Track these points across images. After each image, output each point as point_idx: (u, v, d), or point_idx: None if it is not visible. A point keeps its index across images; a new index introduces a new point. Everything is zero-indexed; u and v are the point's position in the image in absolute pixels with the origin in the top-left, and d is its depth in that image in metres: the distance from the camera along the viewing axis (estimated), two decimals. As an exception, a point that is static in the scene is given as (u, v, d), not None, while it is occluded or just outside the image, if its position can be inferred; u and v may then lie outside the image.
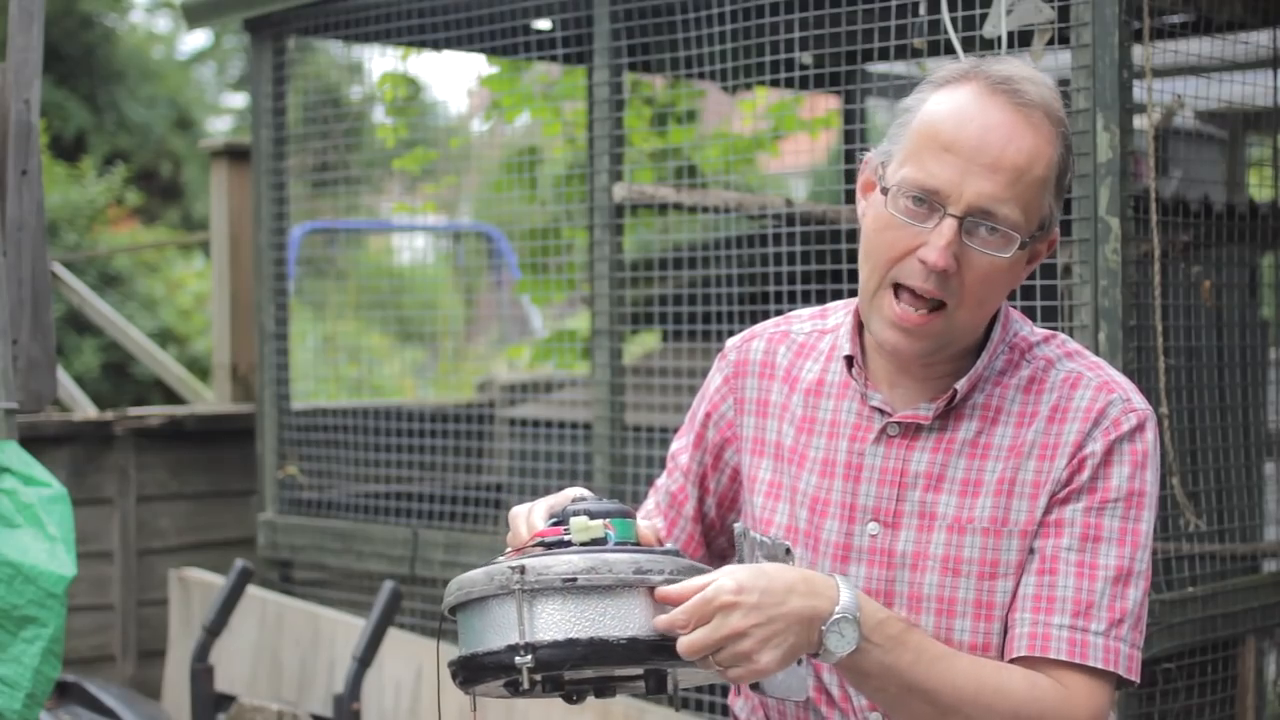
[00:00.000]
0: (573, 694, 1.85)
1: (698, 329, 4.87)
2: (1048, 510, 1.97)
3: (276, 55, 5.26)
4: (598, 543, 1.80)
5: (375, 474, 5.20)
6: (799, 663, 1.82)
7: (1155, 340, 3.42)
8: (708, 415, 2.20)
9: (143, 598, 5.71)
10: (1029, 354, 2.04)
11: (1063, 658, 1.93)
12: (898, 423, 2.02)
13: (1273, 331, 4.38)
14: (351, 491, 5.23)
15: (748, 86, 4.96)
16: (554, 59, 5.09)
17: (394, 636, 4.45)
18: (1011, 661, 1.98)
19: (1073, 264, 3.37)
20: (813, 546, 2.05)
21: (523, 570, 1.73)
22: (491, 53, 5.18)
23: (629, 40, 4.34)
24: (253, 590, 4.82)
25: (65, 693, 4.68)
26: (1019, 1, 3.32)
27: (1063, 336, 2.09)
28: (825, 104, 6.04)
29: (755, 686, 1.80)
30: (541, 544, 1.83)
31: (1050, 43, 3.36)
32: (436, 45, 5.24)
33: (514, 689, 1.78)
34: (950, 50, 3.39)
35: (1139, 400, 1.99)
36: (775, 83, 4.37)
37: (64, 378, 6.41)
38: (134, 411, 5.85)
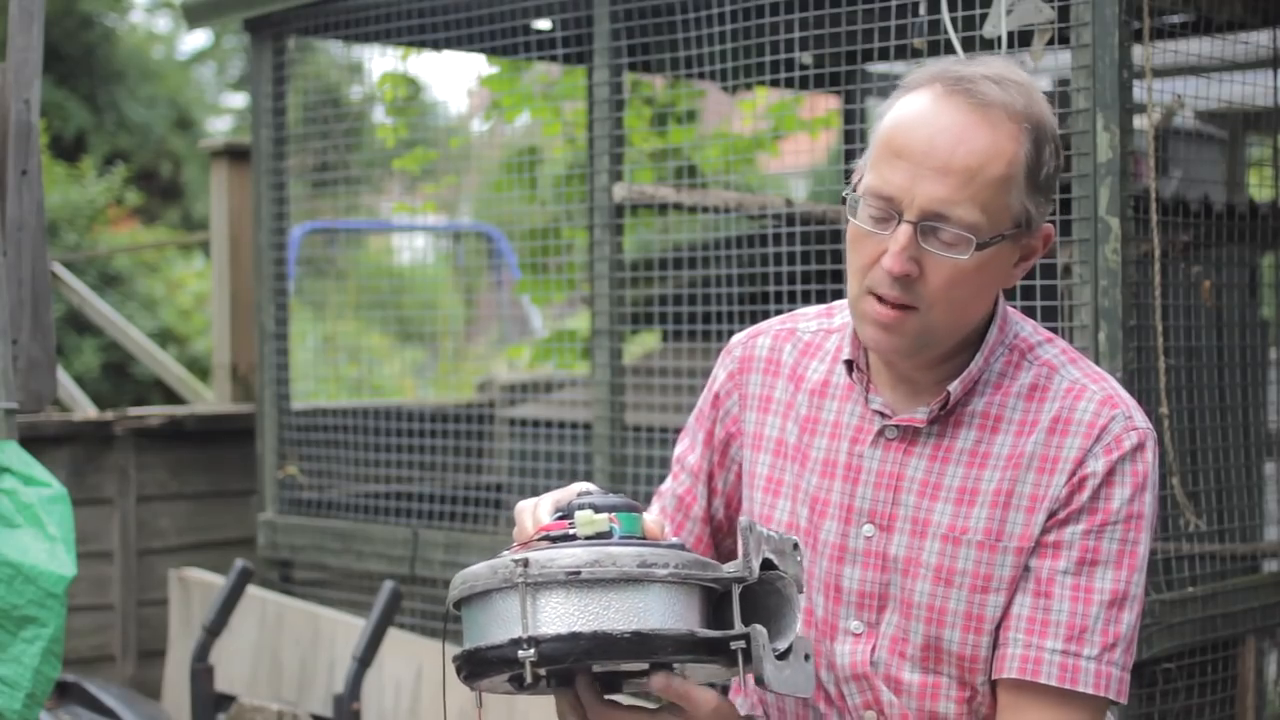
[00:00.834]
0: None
1: (698, 329, 4.87)
2: (1046, 530, 1.96)
3: (276, 55, 5.26)
4: (602, 536, 1.79)
5: (375, 474, 5.20)
6: (805, 659, 1.81)
7: (1155, 340, 3.42)
8: (715, 411, 2.19)
9: (143, 598, 5.71)
10: (1029, 355, 2.03)
11: (1053, 683, 1.93)
12: (896, 426, 2.02)
13: (1273, 331, 4.38)
14: (351, 491, 5.23)
15: (748, 86, 4.96)
16: (554, 59, 5.09)
17: (394, 636, 4.45)
18: (1000, 682, 1.98)
19: (1073, 264, 3.37)
20: (811, 545, 2.06)
21: (526, 563, 1.73)
22: (491, 53, 5.18)
23: (629, 40, 4.34)
24: (253, 590, 4.82)
25: (65, 693, 4.68)
26: (1019, 1, 3.32)
27: (1064, 342, 2.09)
28: (825, 104, 6.04)
29: (760, 682, 1.79)
30: (546, 538, 1.83)
31: (1050, 43, 3.36)
32: (436, 45, 5.24)
33: (518, 683, 1.78)
34: (950, 50, 3.39)
35: (1140, 419, 1.99)
36: (775, 83, 4.37)
37: (64, 378, 6.41)
38: (134, 411, 5.85)
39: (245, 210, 5.81)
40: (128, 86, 14.66)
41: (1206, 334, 3.91)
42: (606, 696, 1.85)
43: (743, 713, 2.12)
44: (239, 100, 18.05)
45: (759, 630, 1.77)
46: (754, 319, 4.06)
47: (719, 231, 5.33)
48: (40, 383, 3.74)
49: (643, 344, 6.56)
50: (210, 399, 6.29)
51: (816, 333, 2.15)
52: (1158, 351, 3.42)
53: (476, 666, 1.77)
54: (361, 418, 5.24)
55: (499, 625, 1.76)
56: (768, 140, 5.64)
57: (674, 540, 1.83)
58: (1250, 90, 4.05)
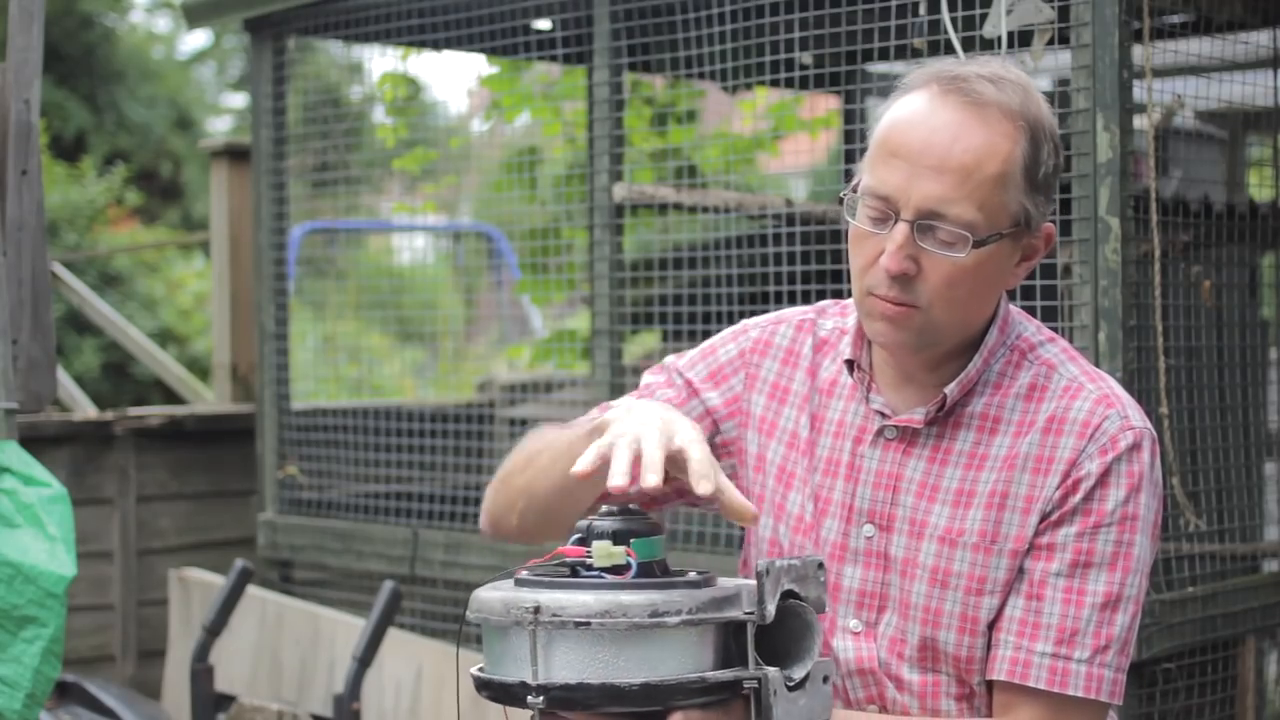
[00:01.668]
0: None
1: (698, 329, 4.86)
2: (1040, 531, 1.95)
3: (276, 55, 5.26)
4: (618, 570, 1.78)
5: (375, 474, 5.20)
6: (824, 681, 1.80)
7: (1155, 340, 3.42)
8: (711, 380, 2.16)
9: (143, 598, 5.71)
10: (1030, 355, 2.03)
11: (1041, 686, 1.93)
12: (895, 426, 2.02)
13: (1273, 331, 4.38)
14: (351, 491, 5.23)
15: (748, 86, 4.96)
16: (554, 59, 5.09)
17: (394, 636, 4.45)
18: (991, 684, 1.98)
19: (1073, 264, 3.37)
20: (814, 543, 2.06)
21: (537, 610, 1.72)
22: (491, 53, 5.18)
23: (629, 40, 4.34)
24: (253, 590, 4.82)
25: (65, 693, 4.68)
26: (1019, 1, 3.32)
27: (1065, 342, 2.08)
28: (825, 104, 6.04)
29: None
30: (563, 563, 1.82)
31: (1050, 43, 3.36)
32: (436, 45, 5.24)
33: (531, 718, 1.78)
34: (950, 50, 3.39)
35: (1137, 418, 1.98)
36: (775, 83, 4.37)
37: (64, 378, 6.41)
38: (134, 411, 5.85)
39: (245, 210, 5.81)
40: (128, 86, 14.66)
41: (1206, 334, 3.91)
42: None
43: None
44: (239, 100, 18.05)
45: (771, 675, 1.75)
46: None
47: (719, 231, 5.33)
48: (40, 383, 3.74)
49: (643, 344, 6.56)
50: (210, 399, 6.29)
51: (833, 330, 2.14)
52: (1158, 351, 3.43)
53: (492, 693, 1.77)
54: (361, 418, 5.24)
55: (511, 660, 1.76)
56: (768, 140, 5.64)
57: (693, 575, 1.81)
58: (1250, 90, 4.05)
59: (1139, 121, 3.47)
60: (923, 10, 3.55)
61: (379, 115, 5.69)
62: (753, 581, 1.77)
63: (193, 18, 5.66)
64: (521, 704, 1.74)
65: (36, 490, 3.51)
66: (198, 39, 19.03)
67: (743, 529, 2.20)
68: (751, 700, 1.76)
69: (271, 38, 5.26)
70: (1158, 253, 3.42)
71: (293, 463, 5.30)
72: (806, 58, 4.81)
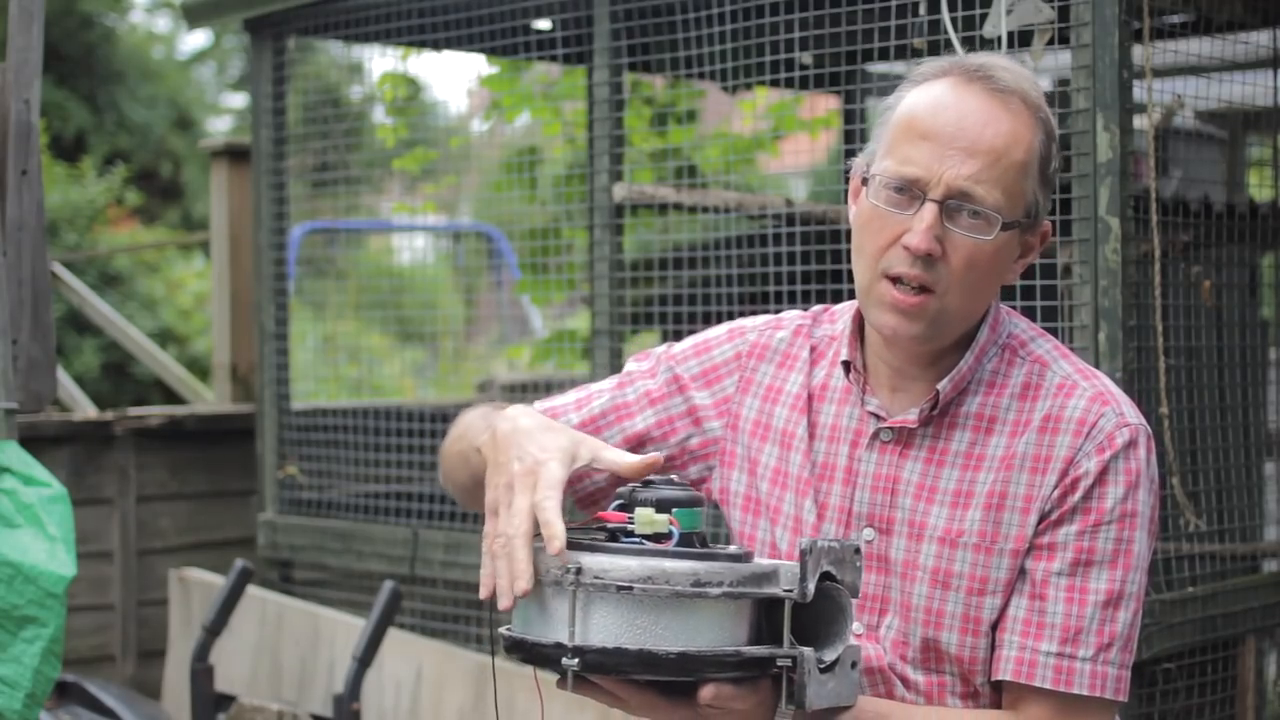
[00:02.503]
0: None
1: (698, 329, 4.85)
2: (1040, 531, 1.95)
3: (276, 55, 5.26)
4: (660, 538, 1.78)
5: (375, 474, 5.20)
6: (852, 666, 1.79)
7: (1155, 340, 3.42)
8: (703, 377, 2.17)
9: (143, 598, 5.71)
10: (1022, 351, 2.04)
11: (1047, 686, 1.93)
12: (890, 428, 2.02)
13: (1273, 331, 4.38)
14: (351, 491, 5.23)
15: (748, 86, 4.96)
16: (554, 59, 5.09)
17: (394, 636, 4.45)
18: (997, 684, 1.98)
19: (1073, 264, 3.37)
20: None
21: (579, 570, 1.72)
22: (491, 53, 5.18)
23: (629, 40, 4.34)
24: (253, 590, 4.82)
25: (65, 693, 4.68)
26: (1019, 1, 3.32)
27: (1055, 339, 2.09)
28: (825, 104, 6.04)
29: (801, 705, 1.76)
30: (603, 528, 1.81)
31: (1050, 43, 3.36)
32: (436, 45, 5.24)
33: (560, 682, 1.76)
34: (950, 50, 3.38)
35: (1132, 414, 1.98)
36: (775, 83, 4.37)
37: (64, 378, 6.41)
38: (134, 411, 5.85)
39: (245, 210, 5.81)
40: (128, 86, 14.66)
41: (1206, 334, 3.91)
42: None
43: None
44: (239, 100, 18.05)
45: (806, 655, 1.75)
46: (754, 319, 4.06)
47: (719, 231, 5.33)
48: (40, 383, 3.74)
49: (643, 344, 6.56)
50: (210, 399, 6.29)
51: (822, 338, 2.15)
52: (1158, 351, 3.43)
53: (524, 654, 1.76)
54: (361, 418, 5.24)
55: (547, 623, 1.75)
56: (768, 140, 5.64)
57: (734, 549, 1.80)
58: (1250, 90, 4.05)
59: (1139, 121, 3.47)
60: (923, 10, 3.55)
61: (379, 115, 5.69)
62: (789, 562, 1.77)
63: (193, 18, 5.67)
64: (554, 666, 1.72)
65: (36, 490, 3.51)
66: (198, 39, 19.05)
67: (731, 529, 2.19)
68: (784, 679, 1.75)
69: (271, 38, 5.26)
70: (1158, 253, 3.42)
71: (293, 463, 5.30)
72: (806, 58, 4.81)
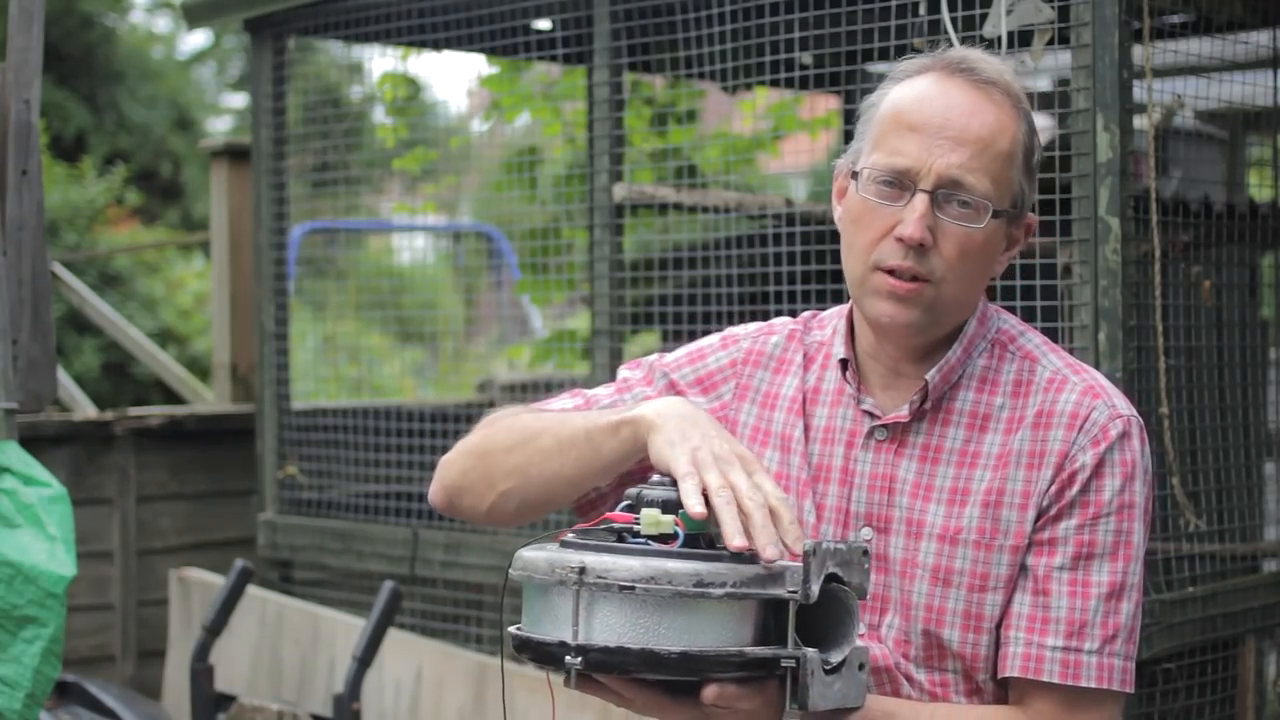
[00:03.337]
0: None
1: (698, 329, 4.86)
2: (1039, 526, 1.96)
3: (276, 55, 5.26)
4: (665, 539, 1.79)
5: (375, 474, 5.20)
6: (860, 668, 1.79)
7: (1155, 340, 3.42)
8: (699, 384, 2.17)
9: (143, 598, 5.71)
10: (1011, 346, 2.05)
11: (1055, 680, 1.94)
12: (884, 426, 2.03)
13: (1273, 331, 4.38)
14: (351, 491, 5.23)
15: (748, 86, 4.96)
16: (554, 59, 5.09)
17: (394, 636, 4.45)
18: (1001, 681, 1.98)
19: (1073, 264, 3.37)
20: None
21: (582, 570, 1.73)
22: (491, 53, 5.18)
23: (629, 40, 4.34)
24: (253, 590, 4.82)
25: (65, 693, 4.68)
26: (1019, 1, 3.32)
27: (1043, 335, 2.10)
28: (825, 104, 6.04)
29: (804, 706, 1.76)
30: (609, 528, 1.82)
31: (1050, 43, 3.36)
32: (436, 45, 5.24)
33: (565, 680, 1.77)
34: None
35: (1124, 406, 1.99)
36: (775, 83, 4.37)
37: (64, 378, 6.41)
38: (134, 411, 5.85)
39: (245, 210, 5.81)
40: (128, 86, 14.65)
41: (1206, 334, 3.91)
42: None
43: None
44: (239, 100, 18.04)
45: (810, 655, 1.75)
46: (754, 319, 4.06)
47: (719, 231, 5.33)
48: (40, 383, 3.74)
49: (643, 344, 6.56)
50: (210, 399, 6.29)
51: (812, 344, 2.16)
52: (1158, 351, 3.43)
53: (530, 652, 1.77)
54: (361, 418, 5.24)
55: (551, 621, 1.76)
56: (768, 140, 5.64)
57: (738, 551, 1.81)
58: (1250, 90, 4.05)
59: (1139, 121, 3.47)
60: (923, 10, 3.55)
61: (379, 115, 5.69)
62: (795, 564, 1.77)
63: (193, 18, 5.67)
64: (559, 664, 1.73)
65: (36, 490, 3.51)
66: (198, 39, 19.05)
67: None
68: (787, 680, 1.76)
69: (271, 38, 5.26)
70: (1158, 253, 3.42)
71: (293, 463, 5.30)
72: (806, 58, 4.81)
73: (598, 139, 4.39)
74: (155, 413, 5.86)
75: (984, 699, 2.01)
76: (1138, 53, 3.41)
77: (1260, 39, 3.95)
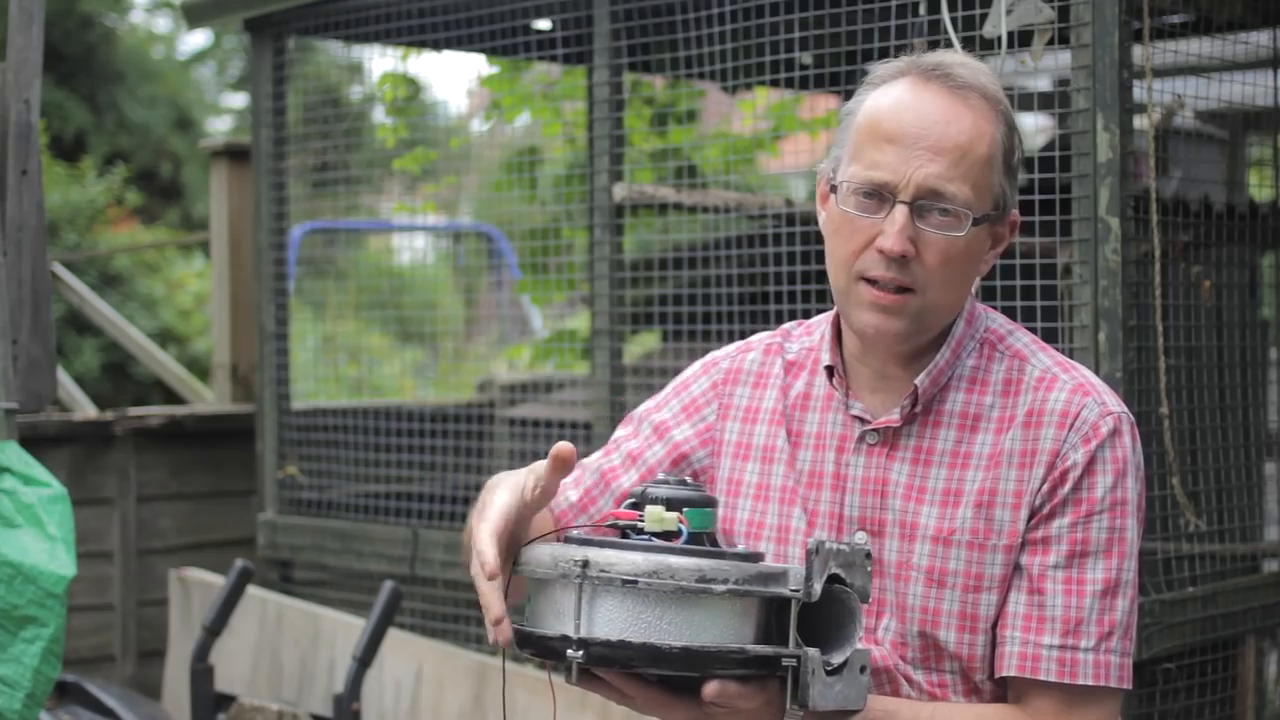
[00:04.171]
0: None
1: (698, 329, 4.87)
2: (1033, 525, 1.97)
3: (276, 55, 5.26)
4: (669, 536, 1.79)
5: (375, 474, 5.20)
6: (861, 670, 1.80)
7: (1155, 340, 3.42)
8: (685, 414, 2.19)
9: (143, 598, 5.71)
10: (1000, 345, 2.05)
11: (1052, 679, 1.94)
12: (875, 430, 2.03)
13: (1273, 331, 4.38)
14: (351, 491, 5.23)
15: (748, 86, 4.96)
16: (554, 59, 5.09)
17: (394, 636, 4.45)
18: (1001, 680, 1.98)
19: (1073, 264, 3.37)
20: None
21: (586, 564, 1.73)
22: (491, 53, 5.18)
23: (629, 40, 4.34)
24: (253, 590, 4.82)
25: (65, 693, 4.68)
26: (1019, 1, 3.32)
27: (1030, 333, 2.10)
28: (825, 104, 6.04)
29: (805, 706, 1.76)
30: (614, 525, 1.83)
31: (1050, 43, 3.36)
32: (436, 45, 5.24)
33: (566, 675, 1.77)
34: (950, 50, 3.38)
35: (1114, 403, 1.99)
36: (775, 83, 4.37)
37: (64, 378, 6.41)
38: (134, 411, 5.85)
39: (245, 210, 5.82)
40: (128, 86, 14.66)
41: (1206, 334, 3.91)
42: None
43: None
44: (239, 100, 18.05)
45: (811, 655, 1.75)
46: (754, 319, 4.07)
47: (719, 231, 5.33)
48: (40, 383, 3.74)
49: (643, 344, 6.56)
50: (210, 399, 6.29)
51: (800, 352, 2.16)
52: (1158, 351, 3.43)
53: (531, 647, 1.78)
54: (361, 418, 5.24)
55: (554, 615, 1.77)
56: (768, 140, 5.64)
57: (741, 549, 1.81)
58: (1250, 90, 4.05)
59: (1139, 121, 3.47)
60: (923, 10, 3.55)
61: (379, 115, 5.69)
62: (798, 566, 1.78)
63: (193, 18, 5.67)
64: (561, 658, 1.74)
65: (36, 490, 3.51)
66: (198, 39, 19.04)
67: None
68: (789, 679, 1.76)
69: (271, 38, 5.26)
70: (1158, 253, 3.42)
71: (293, 463, 5.30)
72: (806, 58, 4.81)
73: (598, 139, 4.39)
74: (155, 413, 5.86)
75: (982, 698, 2.01)
76: (1138, 53, 3.41)
77: (1260, 39, 3.95)
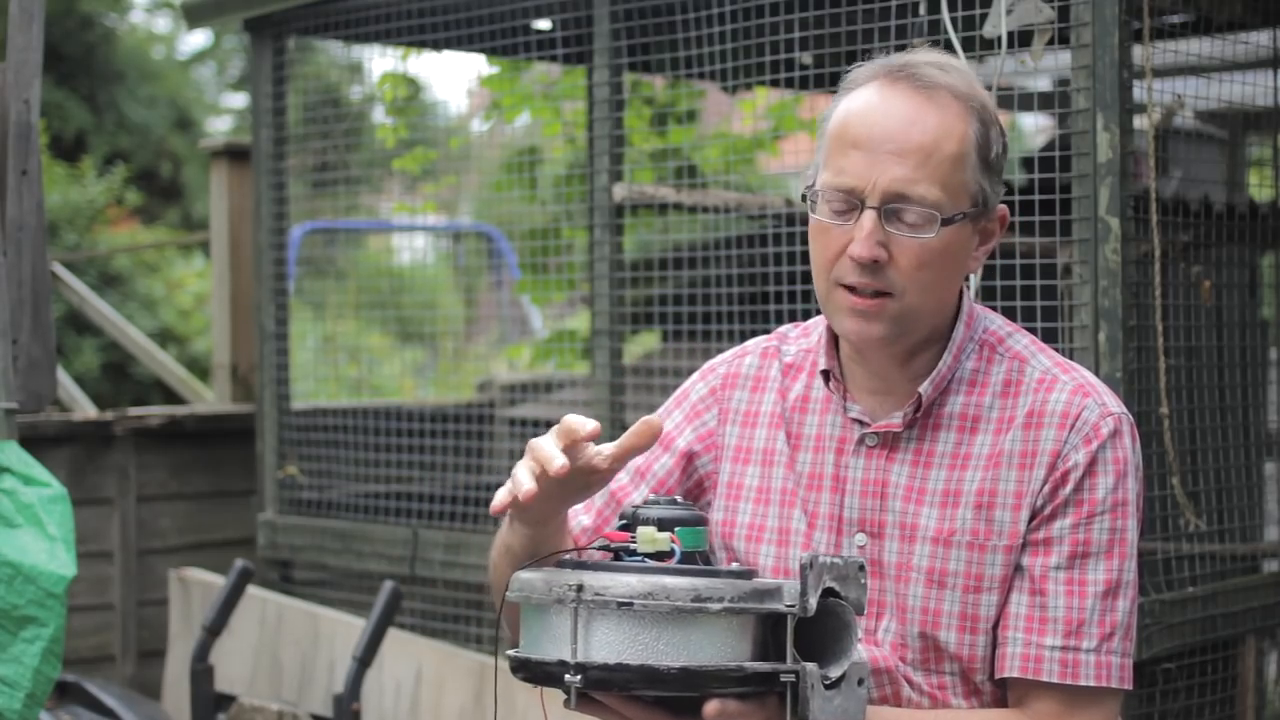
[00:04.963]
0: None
1: (698, 329, 4.87)
2: (1035, 526, 1.97)
3: (276, 55, 5.26)
4: (662, 556, 1.79)
5: (375, 474, 5.20)
6: (859, 683, 1.80)
7: (1155, 340, 3.42)
8: (687, 423, 2.19)
9: (143, 598, 5.71)
10: (1000, 348, 2.05)
11: (1054, 680, 1.94)
12: (875, 433, 2.03)
13: (1273, 331, 4.38)
14: (351, 491, 5.23)
15: (748, 86, 4.96)
16: (554, 59, 5.09)
17: (394, 636, 4.45)
18: (999, 682, 1.98)
19: (1073, 264, 3.37)
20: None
21: (580, 588, 1.73)
22: (491, 53, 5.18)
23: (629, 40, 4.34)
24: (253, 590, 4.82)
25: (65, 693, 4.68)
26: (1019, 1, 3.32)
27: (1030, 334, 2.10)
28: (825, 104, 6.03)
29: (803, 717, 1.77)
30: (606, 547, 1.83)
31: (1050, 43, 3.36)
32: (436, 45, 5.24)
33: (565, 701, 1.77)
34: (950, 50, 3.38)
35: (1114, 403, 1.99)
36: (775, 83, 4.37)
37: (64, 378, 6.41)
38: (134, 411, 5.85)
39: (245, 210, 5.81)
40: (128, 86, 14.66)
41: (1206, 334, 3.91)
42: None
43: None
44: (239, 100, 18.05)
45: (809, 670, 1.75)
46: (754, 319, 4.07)
47: (719, 231, 5.33)
48: (40, 383, 3.74)
49: (643, 344, 6.56)
50: (210, 399, 6.29)
51: (797, 354, 2.16)
52: (1158, 351, 3.43)
53: (529, 673, 1.77)
54: (361, 418, 5.24)
55: (550, 640, 1.76)
56: (768, 140, 5.64)
57: (735, 566, 1.81)
58: (1250, 90, 4.05)
59: (1139, 121, 3.47)
60: (923, 10, 3.55)
61: (379, 115, 5.69)
62: (794, 580, 1.78)
63: (193, 18, 5.66)
64: (558, 683, 1.74)
65: (36, 490, 3.51)
66: (198, 39, 19.04)
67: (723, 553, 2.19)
68: (788, 694, 1.76)
69: (271, 38, 5.26)
70: (1158, 253, 3.42)
71: (293, 463, 5.30)
72: (806, 58, 4.81)
73: (598, 139, 4.39)
74: (155, 413, 5.86)
75: (983, 699, 2.01)
76: (1138, 53, 3.41)
77: (1260, 39, 3.95)
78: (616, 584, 1.72)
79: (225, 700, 4.26)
